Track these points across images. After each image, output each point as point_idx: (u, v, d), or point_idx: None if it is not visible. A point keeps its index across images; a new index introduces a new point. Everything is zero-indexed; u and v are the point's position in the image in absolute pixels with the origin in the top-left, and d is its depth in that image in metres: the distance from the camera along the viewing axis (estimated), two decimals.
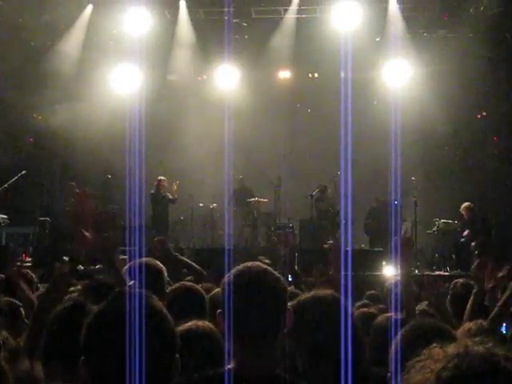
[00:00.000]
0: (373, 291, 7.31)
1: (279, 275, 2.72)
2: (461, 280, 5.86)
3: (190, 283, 4.92)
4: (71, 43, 18.20)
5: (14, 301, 5.01)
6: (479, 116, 18.71)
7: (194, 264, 6.43)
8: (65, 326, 3.09)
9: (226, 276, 2.69)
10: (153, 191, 16.38)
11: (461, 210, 15.33)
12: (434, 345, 1.68)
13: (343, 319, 2.90)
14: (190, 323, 3.38)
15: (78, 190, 15.01)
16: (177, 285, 4.83)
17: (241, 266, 2.70)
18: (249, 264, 2.73)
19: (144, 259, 4.59)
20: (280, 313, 2.63)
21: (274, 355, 2.61)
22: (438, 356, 1.62)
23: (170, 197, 16.52)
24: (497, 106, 17.86)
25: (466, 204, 15.29)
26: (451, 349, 1.62)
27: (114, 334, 2.19)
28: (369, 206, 17.28)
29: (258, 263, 2.75)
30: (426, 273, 13.98)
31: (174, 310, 3.86)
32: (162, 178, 16.54)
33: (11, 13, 17.07)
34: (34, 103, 18.24)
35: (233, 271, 2.70)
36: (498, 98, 17.69)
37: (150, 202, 16.30)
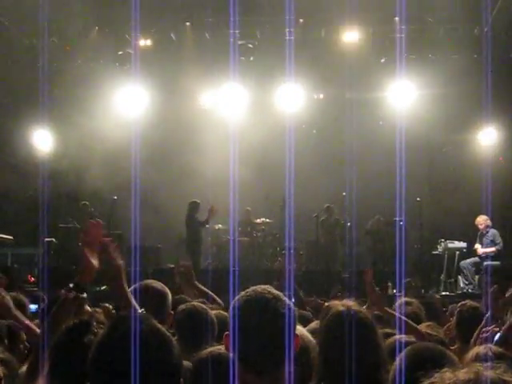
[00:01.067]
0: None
1: (288, 301, 2.68)
2: (467, 303, 5.78)
3: (199, 305, 4.89)
4: (76, 64, 18.30)
5: (15, 323, 4.97)
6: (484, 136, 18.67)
7: (212, 294, 6.24)
8: (69, 345, 3.08)
9: (235, 299, 2.67)
10: (186, 214, 16.21)
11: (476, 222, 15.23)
12: (446, 369, 1.66)
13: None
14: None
15: (92, 221, 14.92)
16: (186, 305, 4.81)
17: (250, 290, 2.67)
18: (258, 289, 2.68)
19: (149, 281, 4.56)
20: (287, 339, 2.60)
21: (278, 381, 2.57)
22: (449, 380, 1.61)
23: (202, 220, 16.21)
24: (501, 128, 17.86)
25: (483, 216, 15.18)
26: (462, 374, 1.61)
27: (116, 358, 2.18)
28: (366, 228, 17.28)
29: (266, 287, 2.70)
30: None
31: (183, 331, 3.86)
32: (196, 200, 16.31)
33: (18, 34, 17.21)
34: (38, 123, 18.35)
35: (241, 295, 2.67)
36: (502, 119, 17.68)
37: (185, 224, 16.23)
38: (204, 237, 17.38)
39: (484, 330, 4.69)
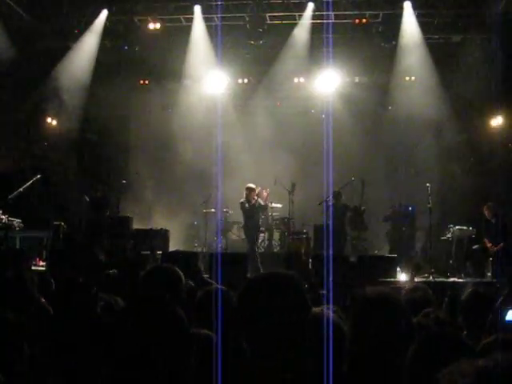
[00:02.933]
0: None
1: (301, 283, 2.67)
2: (472, 289, 5.73)
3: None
4: (85, 48, 18.25)
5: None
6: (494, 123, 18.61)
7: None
8: None
9: (247, 281, 2.66)
10: (242, 200, 15.99)
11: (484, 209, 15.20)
12: (463, 359, 1.65)
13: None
14: None
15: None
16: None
17: (263, 272, 2.67)
18: (271, 272, 2.69)
19: (164, 265, 4.59)
20: (301, 322, 2.59)
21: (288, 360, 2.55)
22: (467, 371, 1.60)
23: (262, 203, 16.06)
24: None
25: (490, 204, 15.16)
26: (481, 363, 1.60)
27: (133, 337, 2.19)
28: (383, 214, 17.28)
29: (280, 271, 2.70)
30: None
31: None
32: (250, 185, 16.06)
33: (28, 18, 17.18)
34: (48, 108, 18.38)
35: (252, 277, 2.66)
36: None
37: (241, 210, 16.20)
38: (211, 221, 17.49)
39: None
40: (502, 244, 14.41)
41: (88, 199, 16.11)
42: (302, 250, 15.29)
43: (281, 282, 2.61)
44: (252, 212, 15.94)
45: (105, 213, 16.18)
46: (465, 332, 5.00)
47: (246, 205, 15.84)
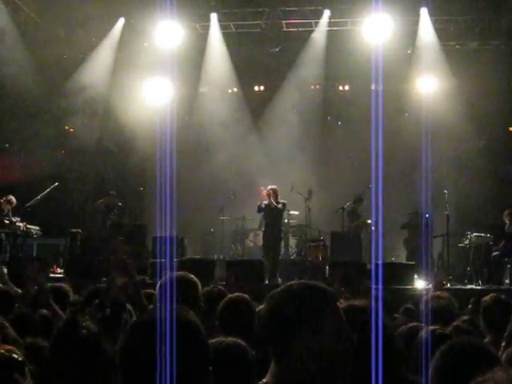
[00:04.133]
0: (408, 305, 7.17)
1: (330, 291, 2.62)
2: (492, 295, 5.68)
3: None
4: (103, 56, 18.36)
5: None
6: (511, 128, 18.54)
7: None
8: None
9: (272, 292, 2.62)
10: (259, 203, 15.47)
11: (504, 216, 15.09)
12: (498, 368, 1.63)
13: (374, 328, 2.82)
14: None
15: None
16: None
17: (293, 282, 2.61)
18: (299, 281, 2.60)
19: (181, 273, 4.58)
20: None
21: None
22: (503, 379, 1.58)
23: (275, 204, 15.27)
24: None
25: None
26: None
27: (146, 346, 2.19)
28: (402, 221, 17.18)
29: (306, 282, 2.65)
30: None
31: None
32: (262, 188, 15.48)
33: (46, 26, 17.31)
34: (66, 115, 18.47)
35: (280, 288, 2.61)
36: None
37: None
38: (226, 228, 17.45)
39: None
40: None
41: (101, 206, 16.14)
42: (320, 258, 15.25)
43: (315, 295, 2.57)
44: (265, 215, 15.72)
45: (111, 217, 16.14)
46: (487, 339, 4.98)
47: (261, 207, 15.69)
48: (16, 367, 3.09)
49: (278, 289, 2.53)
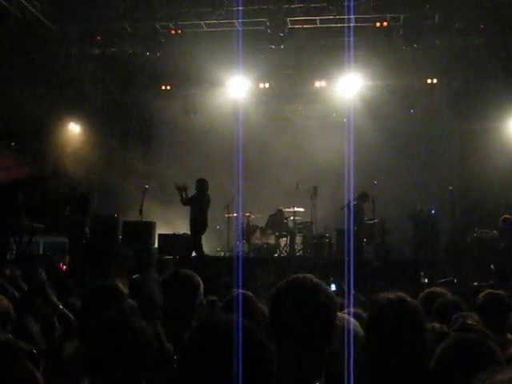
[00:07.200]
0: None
1: (329, 290, 2.67)
2: (487, 291, 5.67)
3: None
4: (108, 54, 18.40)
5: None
6: None
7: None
8: None
9: (276, 286, 2.65)
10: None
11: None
12: (501, 367, 1.63)
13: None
14: None
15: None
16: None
17: (291, 279, 2.64)
18: (300, 276, 2.68)
19: (182, 270, 4.55)
20: (327, 327, 2.59)
21: (316, 368, 2.57)
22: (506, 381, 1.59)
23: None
24: None
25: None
26: None
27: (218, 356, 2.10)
28: (410, 216, 17.12)
29: (307, 276, 2.69)
30: None
31: None
32: None
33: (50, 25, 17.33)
34: (72, 113, 18.51)
35: (283, 283, 2.65)
36: None
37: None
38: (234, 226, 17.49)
39: None
40: None
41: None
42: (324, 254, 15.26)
43: (311, 289, 2.62)
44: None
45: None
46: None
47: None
48: (31, 359, 3.14)
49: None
